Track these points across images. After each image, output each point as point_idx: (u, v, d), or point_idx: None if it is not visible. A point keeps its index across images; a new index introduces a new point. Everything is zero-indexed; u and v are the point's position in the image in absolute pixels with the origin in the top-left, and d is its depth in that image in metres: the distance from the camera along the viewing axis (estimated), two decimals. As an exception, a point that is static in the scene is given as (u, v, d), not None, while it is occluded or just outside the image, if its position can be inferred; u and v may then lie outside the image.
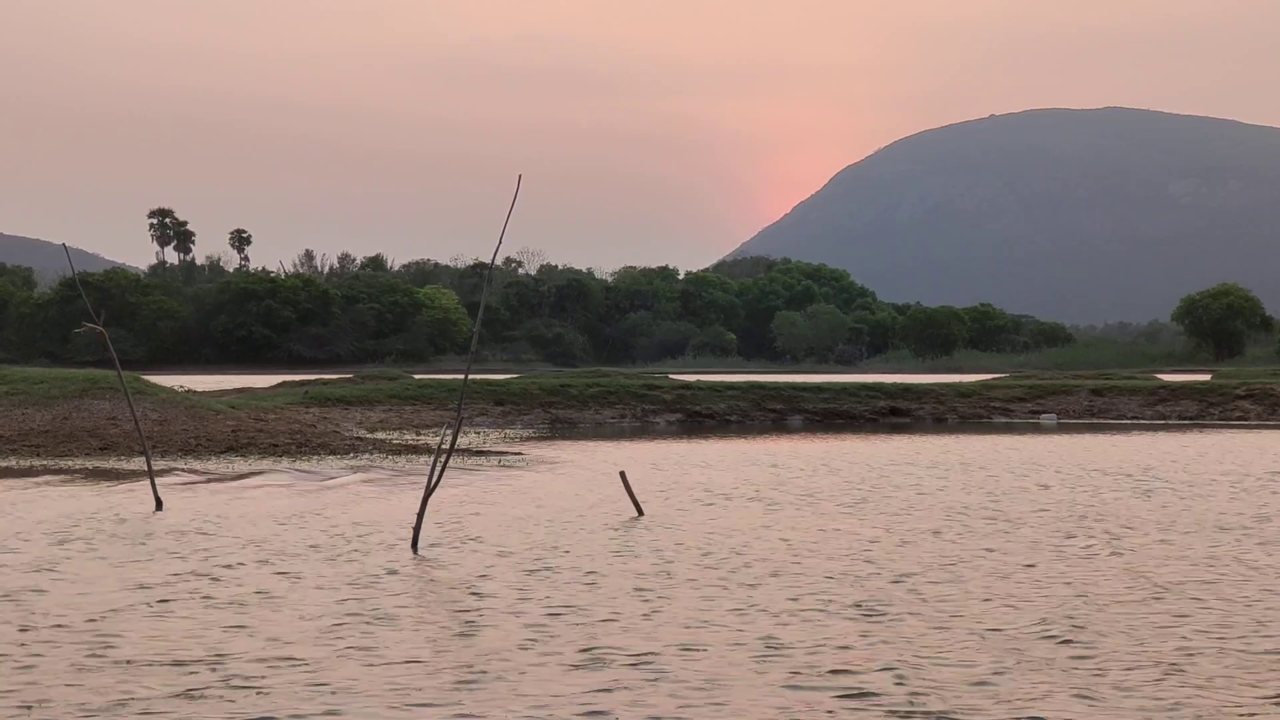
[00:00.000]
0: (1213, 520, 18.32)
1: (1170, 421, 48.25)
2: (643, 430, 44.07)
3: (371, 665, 9.60)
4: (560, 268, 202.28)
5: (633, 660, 9.73)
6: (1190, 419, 49.02)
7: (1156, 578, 13.42)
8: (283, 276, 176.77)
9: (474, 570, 13.98)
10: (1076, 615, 11.40)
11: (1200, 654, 9.98)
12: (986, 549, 15.47)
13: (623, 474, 19.77)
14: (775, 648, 10.16)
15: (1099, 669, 9.48)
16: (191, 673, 9.34)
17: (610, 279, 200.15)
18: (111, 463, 28.05)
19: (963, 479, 24.76)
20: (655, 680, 9.13)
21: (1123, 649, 10.12)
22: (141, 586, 12.92)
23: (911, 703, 8.54)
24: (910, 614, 11.47)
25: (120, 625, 11.03)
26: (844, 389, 52.09)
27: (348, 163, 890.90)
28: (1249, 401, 50.20)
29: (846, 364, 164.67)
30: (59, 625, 11.04)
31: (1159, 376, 68.09)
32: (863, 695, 8.75)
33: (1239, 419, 48.67)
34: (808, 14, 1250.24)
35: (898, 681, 9.07)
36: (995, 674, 9.29)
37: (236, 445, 30.74)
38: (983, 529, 17.41)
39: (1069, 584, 13.03)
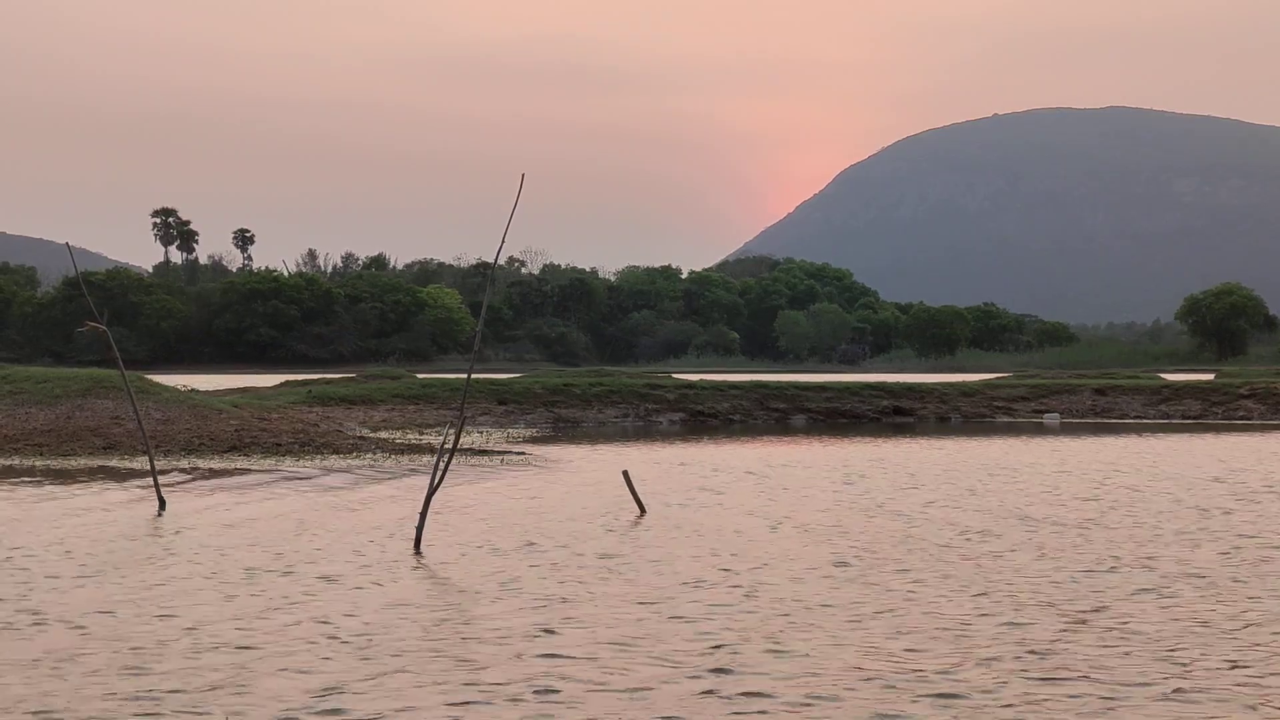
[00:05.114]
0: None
1: (1174, 421, 48.21)
2: (646, 430, 44.06)
3: (372, 665, 9.59)
4: (563, 267, 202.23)
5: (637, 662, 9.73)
6: (1193, 418, 48.99)
7: None
8: (286, 276, 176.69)
9: (476, 570, 13.98)
10: None
11: None
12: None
13: (625, 473, 19.76)
14: (777, 650, 10.16)
15: None
16: (192, 670, 9.35)
17: (613, 278, 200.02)
18: (115, 462, 28.05)
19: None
20: (661, 684, 9.12)
21: None
22: (144, 587, 12.92)
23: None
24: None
25: (119, 625, 11.04)
26: (847, 388, 52.07)
27: (351, 162, 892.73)
28: (1252, 401, 50.17)
29: (849, 363, 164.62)
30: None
31: (1162, 376, 68.02)
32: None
33: (1242, 418, 48.64)
34: (811, 12, 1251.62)
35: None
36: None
37: (240, 444, 30.74)
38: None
39: None
